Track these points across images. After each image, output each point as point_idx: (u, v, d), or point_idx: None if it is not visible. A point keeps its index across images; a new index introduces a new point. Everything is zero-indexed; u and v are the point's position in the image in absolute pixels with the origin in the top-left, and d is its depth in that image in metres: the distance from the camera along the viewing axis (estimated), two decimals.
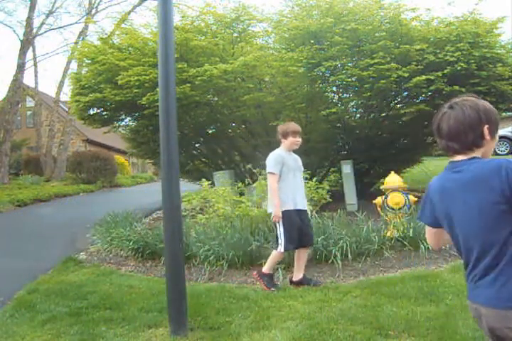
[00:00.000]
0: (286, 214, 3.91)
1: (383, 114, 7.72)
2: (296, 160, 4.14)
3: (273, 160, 4.01)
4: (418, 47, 6.50)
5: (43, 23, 19.35)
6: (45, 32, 20.18)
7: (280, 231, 3.94)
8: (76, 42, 17.55)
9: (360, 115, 8.15)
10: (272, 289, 3.90)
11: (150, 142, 8.96)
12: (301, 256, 4.06)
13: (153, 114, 7.08)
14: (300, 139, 4.07)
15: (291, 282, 4.06)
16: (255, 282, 4.30)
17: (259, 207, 5.65)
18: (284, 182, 3.96)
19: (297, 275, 4.03)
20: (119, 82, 7.00)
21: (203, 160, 9.62)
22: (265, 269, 4.03)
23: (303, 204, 4.07)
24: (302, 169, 4.21)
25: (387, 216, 5.17)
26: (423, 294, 3.54)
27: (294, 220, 3.93)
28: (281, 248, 3.94)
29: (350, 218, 5.58)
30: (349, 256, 4.42)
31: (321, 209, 5.64)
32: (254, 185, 6.05)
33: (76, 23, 26.94)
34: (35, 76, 20.56)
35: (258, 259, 4.63)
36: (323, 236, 4.57)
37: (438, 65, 6.45)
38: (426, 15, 7.39)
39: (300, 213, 4.00)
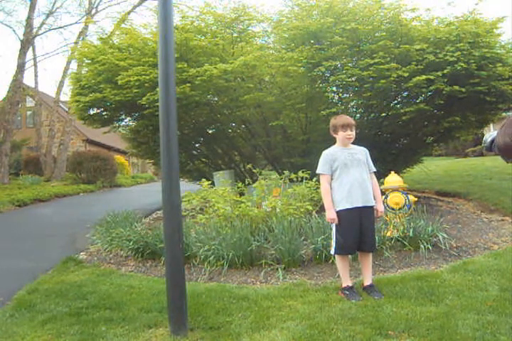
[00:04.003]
0: (341, 215, 3.66)
1: (383, 114, 7.72)
2: (355, 154, 3.79)
3: (321, 160, 3.80)
4: (418, 47, 6.50)
5: (43, 23, 19.41)
6: (45, 32, 20.24)
7: (332, 232, 3.75)
8: (76, 42, 17.59)
9: (360, 115, 8.15)
10: (358, 299, 3.56)
11: (150, 142, 8.97)
12: (363, 261, 3.82)
13: (153, 114, 7.08)
14: (352, 132, 3.77)
15: (363, 287, 3.76)
16: (255, 282, 4.31)
17: (259, 207, 5.65)
18: (339, 180, 3.71)
19: (367, 280, 3.76)
20: (119, 82, 6.99)
21: (203, 160, 9.62)
22: (342, 283, 3.75)
23: (364, 200, 3.69)
24: (365, 161, 3.83)
25: (387, 216, 5.16)
26: (423, 294, 3.54)
27: (351, 221, 3.64)
28: (331, 250, 3.78)
29: None
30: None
31: (321, 209, 5.63)
32: (254, 185, 6.05)
33: (76, 23, 27.07)
34: (35, 76, 20.58)
35: (258, 259, 4.64)
36: (323, 236, 4.57)
37: (438, 65, 6.45)
38: (426, 16, 7.39)
39: (361, 211, 3.68)
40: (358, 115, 8.12)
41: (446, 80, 6.45)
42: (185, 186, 6.60)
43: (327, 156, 3.80)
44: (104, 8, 39.43)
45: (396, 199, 5.33)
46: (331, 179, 3.78)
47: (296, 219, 5.18)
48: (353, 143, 3.91)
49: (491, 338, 2.74)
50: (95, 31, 25.03)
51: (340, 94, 7.94)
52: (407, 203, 5.32)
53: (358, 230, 3.69)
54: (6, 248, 6.47)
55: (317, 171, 3.84)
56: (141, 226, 6.38)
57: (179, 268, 3.19)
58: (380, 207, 3.89)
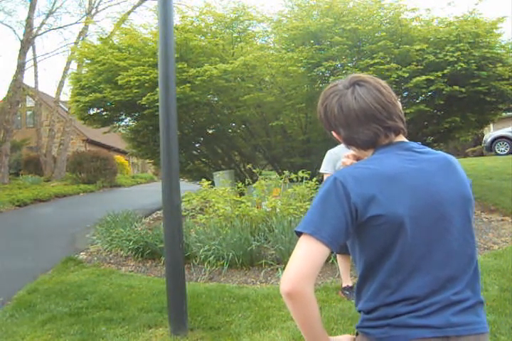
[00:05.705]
0: None
1: None
2: None
3: (324, 159, 3.81)
4: (418, 47, 6.50)
5: (43, 23, 19.37)
6: (45, 32, 20.20)
7: None
8: (76, 43, 17.57)
9: None
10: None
11: (150, 142, 8.97)
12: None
13: (153, 114, 7.08)
14: None
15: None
16: (255, 282, 4.31)
17: (259, 207, 5.65)
18: None
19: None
20: (119, 82, 6.99)
21: (203, 160, 9.62)
22: (342, 283, 3.77)
23: None
24: None
25: None
26: None
27: None
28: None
29: None
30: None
31: None
32: (254, 185, 6.04)
33: (76, 23, 27.02)
34: (35, 76, 20.55)
35: (258, 259, 4.64)
36: None
37: (438, 65, 6.45)
38: (426, 16, 7.41)
39: None
40: None
41: (446, 80, 6.45)
42: (185, 186, 6.61)
43: (330, 155, 3.81)
44: (104, 8, 39.32)
45: None
46: None
47: (296, 219, 5.17)
48: None
49: (491, 338, 2.74)
50: (95, 31, 24.99)
51: None
52: None
53: None
54: (6, 248, 6.47)
55: (320, 170, 3.84)
56: (141, 226, 6.38)
57: (179, 268, 3.19)
58: None
